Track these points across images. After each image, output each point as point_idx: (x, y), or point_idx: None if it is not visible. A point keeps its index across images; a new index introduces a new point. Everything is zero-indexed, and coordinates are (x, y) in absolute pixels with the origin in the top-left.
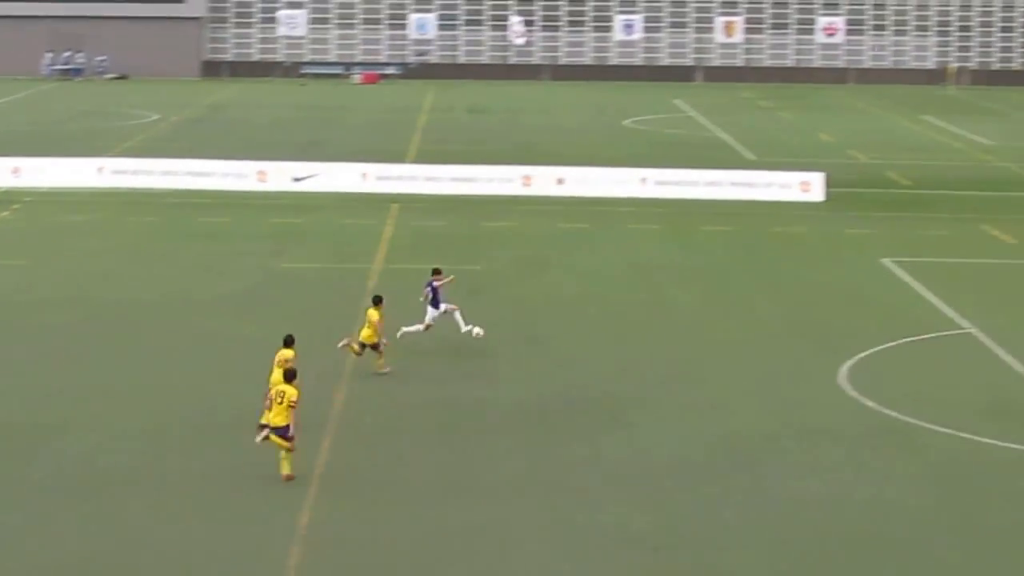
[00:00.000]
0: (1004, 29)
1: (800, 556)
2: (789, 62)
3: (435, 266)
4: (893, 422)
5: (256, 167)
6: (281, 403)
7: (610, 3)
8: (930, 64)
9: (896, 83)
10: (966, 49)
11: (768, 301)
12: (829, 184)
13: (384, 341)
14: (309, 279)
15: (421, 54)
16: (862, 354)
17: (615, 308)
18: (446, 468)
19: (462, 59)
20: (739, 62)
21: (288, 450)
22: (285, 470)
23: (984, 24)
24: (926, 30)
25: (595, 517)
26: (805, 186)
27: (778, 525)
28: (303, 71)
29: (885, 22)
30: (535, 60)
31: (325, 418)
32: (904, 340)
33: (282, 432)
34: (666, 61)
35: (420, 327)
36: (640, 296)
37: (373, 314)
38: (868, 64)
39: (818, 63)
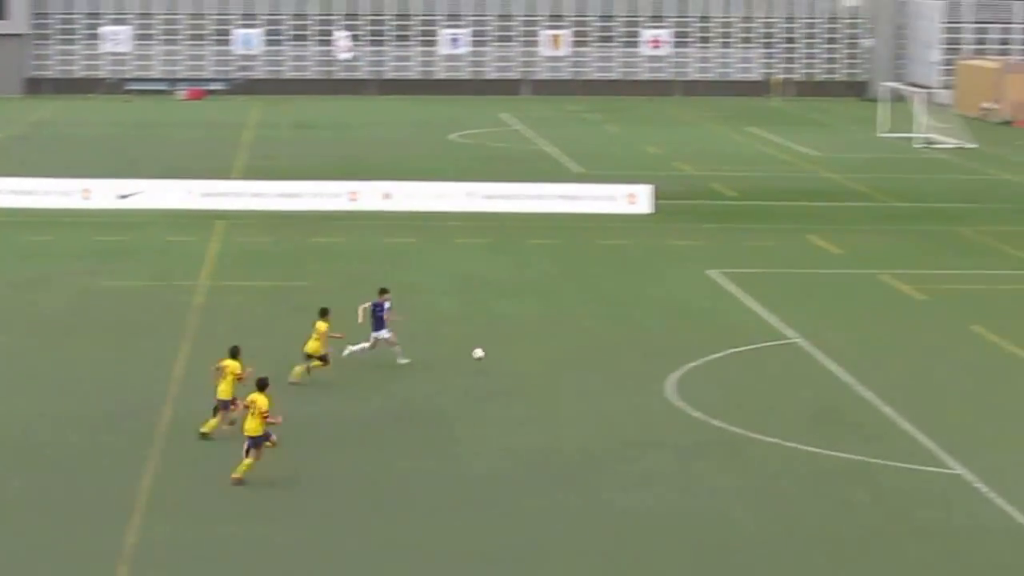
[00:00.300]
0: (829, 41)
1: (629, 568)
2: (615, 75)
3: (383, 286)
4: (721, 432)
5: (81, 185)
6: (255, 413)
7: (436, 17)
8: (755, 76)
9: (722, 95)
10: (791, 61)
11: (595, 314)
12: (656, 196)
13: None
14: (134, 297)
15: (244, 69)
16: (689, 365)
17: (442, 323)
18: (275, 484)
19: (288, 74)
20: (565, 75)
21: (256, 458)
22: (239, 472)
23: (808, 36)
24: (751, 42)
25: (423, 533)
26: (632, 198)
27: (606, 538)
28: (127, 88)
29: (710, 34)
30: (361, 75)
31: (153, 434)
32: (731, 351)
33: (258, 442)
34: (492, 75)
35: (366, 345)
36: (467, 310)
37: (321, 326)
38: (694, 76)
39: (644, 76)
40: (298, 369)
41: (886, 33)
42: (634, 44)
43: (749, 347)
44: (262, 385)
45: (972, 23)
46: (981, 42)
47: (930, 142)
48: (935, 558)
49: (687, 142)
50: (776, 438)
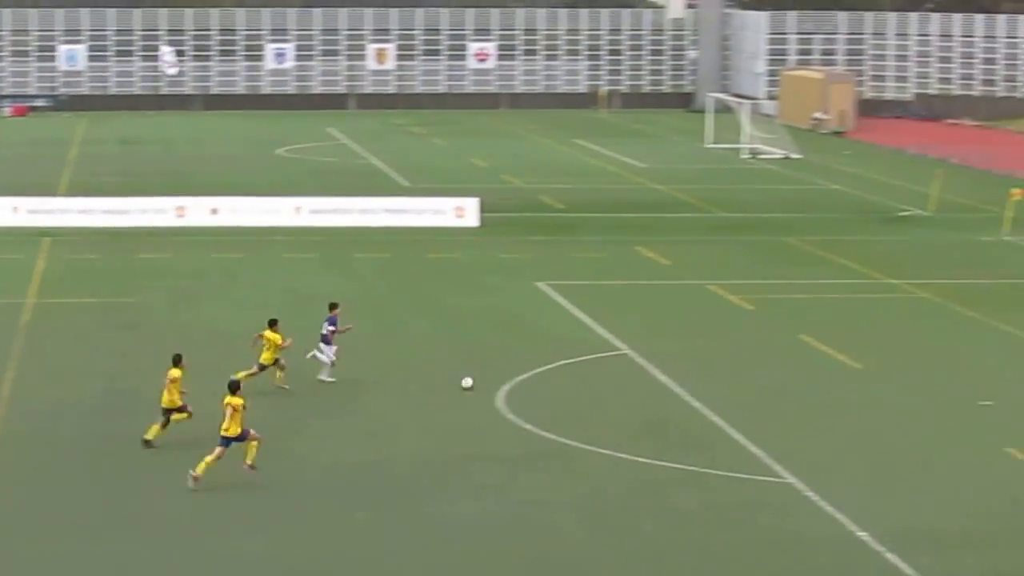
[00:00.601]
0: (654, 52)
1: None
2: (441, 88)
3: (332, 301)
4: (551, 444)
5: None
6: (233, 415)
7: (261, 31)
8: (581, 88)
9: (548, 107)
10: (617, 73)
11: (425, 327)
12: (483, 209)
13: (283, 361)
14: None
15: (68, 85)
16: (519, 378)
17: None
18: (100, 502)
19: (113, 90)
20: (391, 89)
21: (256, 442)
22: (249, 459)
23: (634, 48)
24: (577, 54)
25: (251, 546)
26: (459, 211)
27: (435, 550)
28: None
29: (536, 47)
30: (187, 90)
31: None
32: (561, 363)
33: (240, 439)
34: (319, 89)
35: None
36: (297, 325)
37: (274, 336)
38: (520, 89)
39: (470, 88)
40: (280, 374)
41: (711, 44)
42: (460, 57)
43: (579, 359)
44: (234, 388)
45: (796, 34)
46: (806, 53)
47: (756, 153)
48: (767, 567)
49: (514, 155)
50: (607, 449)
